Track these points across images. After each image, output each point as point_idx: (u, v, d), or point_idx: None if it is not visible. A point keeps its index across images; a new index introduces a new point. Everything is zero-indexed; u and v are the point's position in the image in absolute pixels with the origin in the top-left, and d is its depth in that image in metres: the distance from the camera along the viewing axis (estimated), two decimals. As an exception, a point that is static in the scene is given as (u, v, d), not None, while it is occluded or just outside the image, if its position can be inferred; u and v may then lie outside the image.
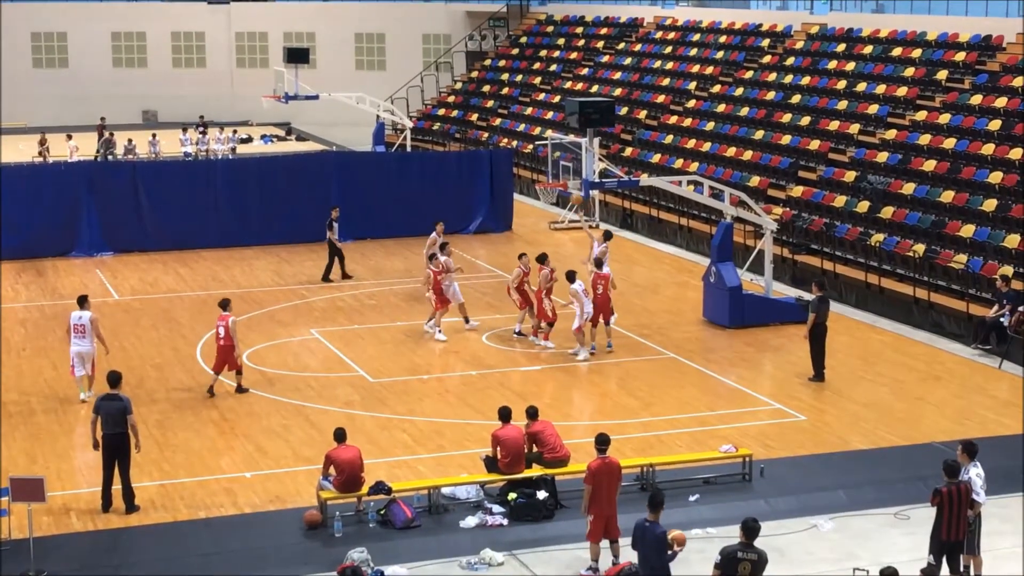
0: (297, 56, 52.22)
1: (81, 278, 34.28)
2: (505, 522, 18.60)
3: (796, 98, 42.12)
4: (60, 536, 18.26)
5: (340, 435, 19.03)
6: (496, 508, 18.82)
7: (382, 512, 18.64)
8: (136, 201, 37.10)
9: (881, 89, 39.46)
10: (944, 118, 36.09)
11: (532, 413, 19.83)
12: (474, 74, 63.25)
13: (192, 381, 25.48)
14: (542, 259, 28.04)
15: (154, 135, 54.33)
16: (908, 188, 33.57)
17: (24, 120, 62.41)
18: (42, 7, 65.77)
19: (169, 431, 22.62)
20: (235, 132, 57.63)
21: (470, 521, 18.62)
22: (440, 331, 28.20)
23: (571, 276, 27.06)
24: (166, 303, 31.68)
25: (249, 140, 59.05)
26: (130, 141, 52.84)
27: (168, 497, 19.74)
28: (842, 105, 40.06)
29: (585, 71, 54.76)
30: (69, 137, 50.87)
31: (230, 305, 24.70)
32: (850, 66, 42.11)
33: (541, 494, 18.93)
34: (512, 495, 18.99)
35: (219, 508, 19.33)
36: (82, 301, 24.57)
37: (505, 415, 19.52)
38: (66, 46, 66.45)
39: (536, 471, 19.35)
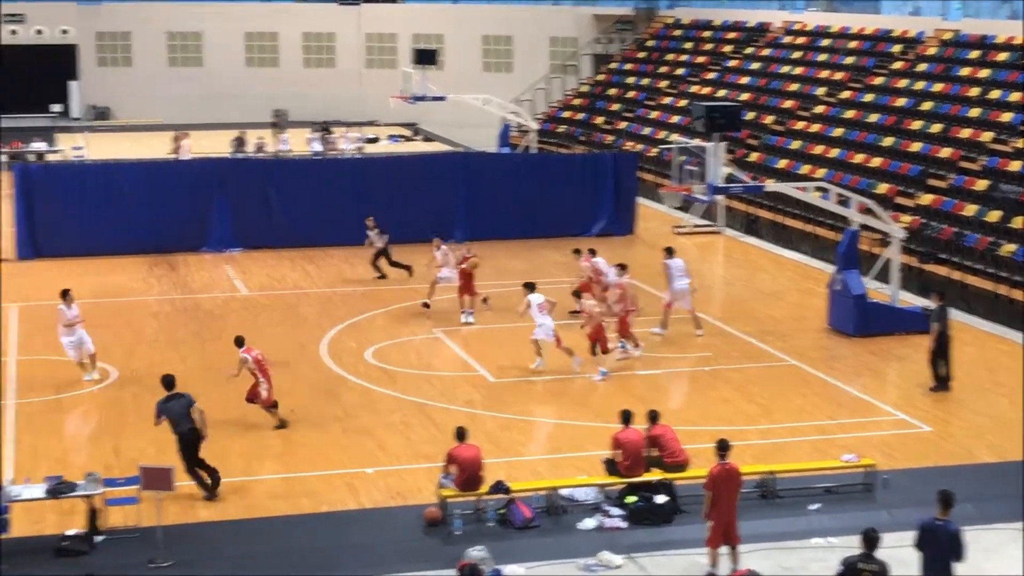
0: (425, 57, 52.68)
1: (211, 273, 34.94)
2: (623, 525, 18.62)
3: (927, 105, 41.53)
4: (187, 525, 18.65)
5: (461, 434, 19.20)
6: (614, 511, 18.84)
7: (501, 512, 18.76)
8: (265, 198, 37.70)
9: (1015, 97, 38.75)
10: (1080, 127, 35.41)
11: (653, 417, 19.84)
12: (600, 77, 63.26)
13: (316, 376, 25.83)
14: (621, 268, 27.95)
15: (284, 133, 55.10)
16: (1041, 198, 32.98)
17: (159, 117, 63.68)
18: (179, 7, 67.11)
19: (293, 426, 22.95)
20: (362, 132, 58.25)
21: (588, 523, 18.67)
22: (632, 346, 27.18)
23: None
24: (293, 299, 32.15)
25: (376, 140, 59.64)
26: (260, 139, 53.66)
27: (291, 490, 20.07)
28: (974, 112, 39.42)
29: (712, 75, 54.51)
30: (185, 135, 51.51)
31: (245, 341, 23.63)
32: (983, 73, 41.41)
33: (660, 498, 18.92)
34: (631, 498, 19.00)
35: (340, 503, 19.60)
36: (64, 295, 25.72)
37: (626, 418, 19.55)
38: (201, 45, 67.72)
39: (655, 475, 19.34)
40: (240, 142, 53.96)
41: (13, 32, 64.38)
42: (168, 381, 20.27)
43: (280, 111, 58.43)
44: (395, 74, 58.05)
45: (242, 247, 37.43)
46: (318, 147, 53.99)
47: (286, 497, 19.81)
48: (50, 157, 51.00)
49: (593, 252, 30.28)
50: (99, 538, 17.99)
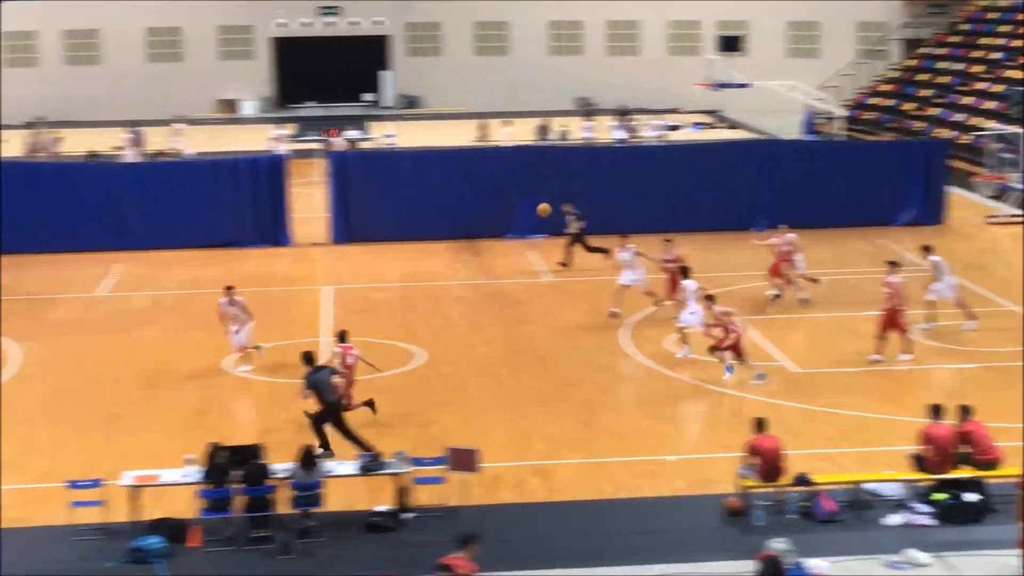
0: (730, 44, 52.28)
1: (514, 259, 35.48)
2: (931, 523, 18.11)
3: None
4: (490, 505, 19.01)
5: (762, 424, 19.02)
6: (922, 507, 18.35)
7: (804, 504, 18.50)
8: (568, 185, 37.96)
9: None
10: None
11: (965, 412, 19.22)
12: (910, 62, 61.53)
13: (616, 363, 25.96)
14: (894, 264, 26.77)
15: (588, 121, 55.53)
16: None
17: (465, 106, 65.03)
18: (487, -4, 68.47)
19: (596, 412, 23.15)
20: (664, 120, 58.20)
21: (894, 519, 18.23)
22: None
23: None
24: (595, 286, 32.32)
25: (677, 128, 59.50)
26: (564, 127, 54.22)
27: (593, 476, 20.24)
28: None
29: (1030, 59, 52.33)
30: (508, 124, 52.33)
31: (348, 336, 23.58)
32: None
33: (970, 496, 18.33)
34: (940, 495, 18.46)
35: (641, 489, 19.67)
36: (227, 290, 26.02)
37: (936, 412, 19.00)
38: (506, 35, 68.83)
39: (966, 472, 18.74)
40: (544, 130, 54.65)
41: (329, 24, 66.77)
42: (309, 357, 21.19)
43: (584, 99, 59.02)
44: (698, 61, 57.77)
45: (545, 234, 37.83)
46: (621, 135, 54.17)
47: (588, 482, 20.01)
48: (363, 145, 52.71)
49: (928, 249, 28.33)
50: (407, 515, 18.55)
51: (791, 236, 30.14)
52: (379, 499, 18.94)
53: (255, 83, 67.12)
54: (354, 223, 37.41)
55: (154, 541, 17.47)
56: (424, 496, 18.97)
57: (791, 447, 19.67)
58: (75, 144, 51.84)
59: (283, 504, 18.21)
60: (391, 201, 37.70)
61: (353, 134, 53.90)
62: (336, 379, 21.08)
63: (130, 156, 47.80)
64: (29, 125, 55.27)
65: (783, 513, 18.50)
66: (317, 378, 20.87)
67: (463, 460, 18.30)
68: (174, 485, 18.68)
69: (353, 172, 38.04)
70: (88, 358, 26.78)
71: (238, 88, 66.82)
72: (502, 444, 21.44)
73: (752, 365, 24.62)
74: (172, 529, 17.90)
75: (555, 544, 17.85)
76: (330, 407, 20.84)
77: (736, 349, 24.62)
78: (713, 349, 24.79)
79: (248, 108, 66.55)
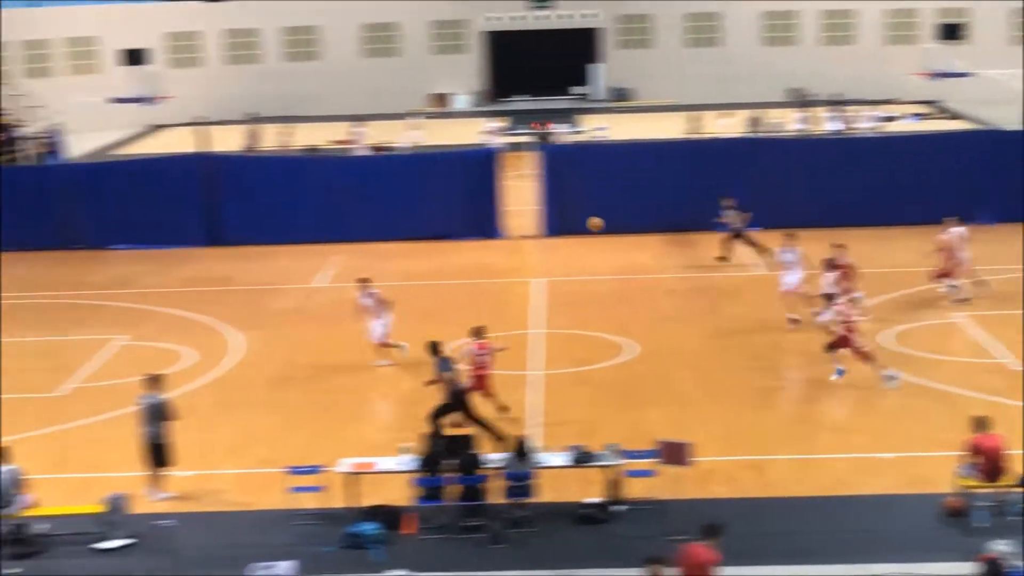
0: (950, 32, 50.95)
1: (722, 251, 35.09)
2: None
3: None
4: (702, 500, 18.87)
5: (983, 423, 18.50)
6: None
7: (1026, 505, 17.97)
8: (783, 177, 37.48)
9: None
10: None
11: None
12: None
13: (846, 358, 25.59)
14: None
15: (802, 112, 54.76)
16: None
17: (676, 98, 64.73)
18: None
19: (814, 407, 22.85)
20: (880, 110, 57.03)
21: (1123, 523, 17.57)
22: None
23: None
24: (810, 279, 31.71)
25: (894, 118, 58.20)
26: (776, 119, 53.56)
27: (807, 472, 19.96)
28: None
29: None
30: (727, 116, 51.95)
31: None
32: None
33: None
34: None
35: (856, 486, 19.32)
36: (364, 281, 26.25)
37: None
38: (718, 25, 68.26)
39: None
40: (756, 122, 54.08)
41: (540, 17, 67.12)
42: (435, 346, 21.77)
43: (798, 90, 58.18)
44: (916, 50, 56.46)
45: (760, 226, 37.36)
46: (837, 126, 53.23)
47: (802, 478, 19.75)
48: (574, 138, 52.85)
49: None
50: (617, 508, 18.56)
51: (960, 230, 29.16)
52: (589, 491, 19.00)
53: (467, 77, 67.92)
54: (565, 216, 37.50)
55: (370, 527, 17.83)
56: (635, 489, 18.97)
57: (1015, 447, 19.09)
58: (294, 139, 53.22)
59: (495, 494, 18.40)
60: (602, 194, 37.67)
61: (563, 127, 54.07)
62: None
63: (359, 150, 48.73)
64: (247, 120, 56.86)
65: (1004, 514, 17.95)
66: (448, 366, 21.44)
67: (674, 453, 18.23)
68: (389, 473, 19.05)
69: (565, 165, 38.18)
70: (306, 347, 27.47)
71: (450, 82, 67.73)
72: (714, 438, 21.26)
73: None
74: (387, 516, 18.24)
75: (769, 540, 17.65)
76: (456, 395, 21.32)
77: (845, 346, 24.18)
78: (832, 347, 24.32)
79: (460, 102, 67.39)
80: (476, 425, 21.02)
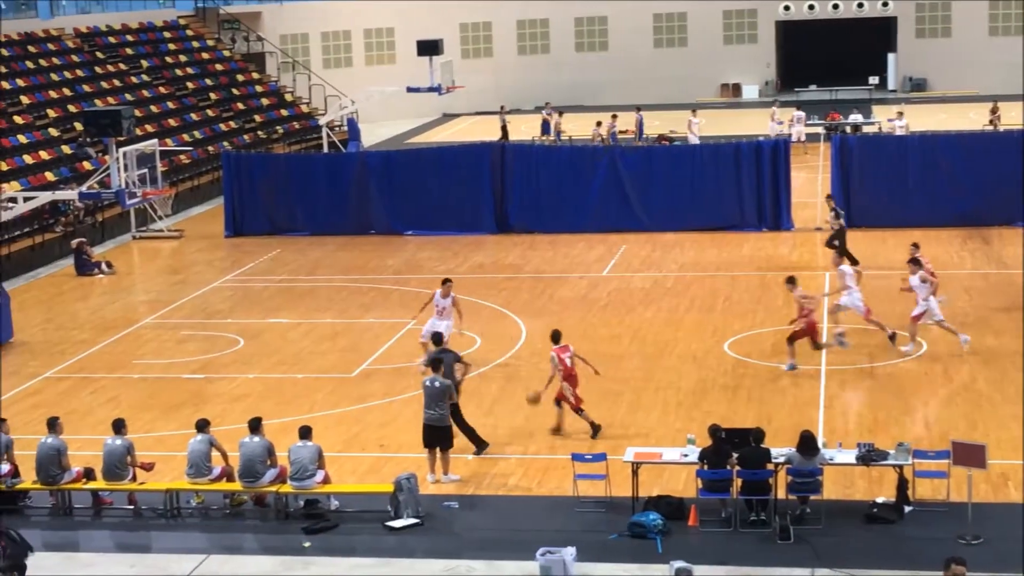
0: None
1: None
2: None
3: None
4: (996, 504, 18.24)
5: None
6: None
7: None
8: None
9: None
10: None
11: None
12: None
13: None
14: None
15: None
16: None
17: (975, 88, 62.60)
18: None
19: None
20: None
21: None
22: None
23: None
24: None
25: None
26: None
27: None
28: None
29: None
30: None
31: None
32: None
33: None
34: None
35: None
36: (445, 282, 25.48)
37: None
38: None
39: None
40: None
41: (835, 7, 65.86)
42: (438, 337, 21.91)
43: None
44: None
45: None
46: None
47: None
48: (865, 129, 51.58)
49: None
50: (908, 508, 18.07)
51: None
52: (877, 490, 18.56)
53: (758, 67, 67.16)
54: (857, 207, 36.55)
55: (653, 517, 17.83)
56: (926, 490, 18.44)
57: None
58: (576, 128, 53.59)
59: (780, 489, 18.14)
60: (895, 186, 36.79)
61: (856, 118, 52.85)
62: (459, 366, 21.12)
63: (692, 138, 48.44)
64: (539, 109, 57.44)
65: None
66: (441, 358, 20.69)
67: (969, 455, 17.60)
68: (674, 464, 19.00)
69: (857, 156, 37.30)
70: (592, 336, 27.56)
71: (741, 72, 67.09)
72: (1011, 440, 20.50)
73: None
74: (670, 507, 18.21)
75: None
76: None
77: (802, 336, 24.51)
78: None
79: (750, 92, 66.71)
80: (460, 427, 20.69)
